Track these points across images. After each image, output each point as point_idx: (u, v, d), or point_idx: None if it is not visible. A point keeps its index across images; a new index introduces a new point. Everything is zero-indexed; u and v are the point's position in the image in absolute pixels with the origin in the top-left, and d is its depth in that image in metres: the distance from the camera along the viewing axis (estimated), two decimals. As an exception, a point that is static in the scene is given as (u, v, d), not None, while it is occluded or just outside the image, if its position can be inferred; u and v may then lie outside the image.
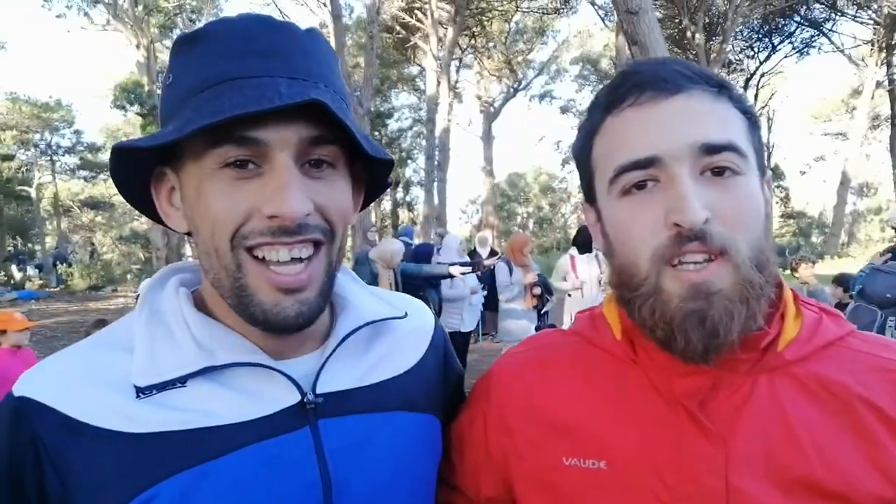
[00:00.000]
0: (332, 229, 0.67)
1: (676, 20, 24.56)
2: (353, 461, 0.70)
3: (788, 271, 6.80)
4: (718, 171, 0.71)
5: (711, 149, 0.71)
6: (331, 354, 0.72)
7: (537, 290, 6.66)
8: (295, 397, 0.68)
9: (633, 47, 12.50)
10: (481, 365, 8.25)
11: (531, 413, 0.86)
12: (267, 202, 0.61)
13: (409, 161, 37.36)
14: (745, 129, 0.75)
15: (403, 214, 38.97)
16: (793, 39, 28.80)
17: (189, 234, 0.70)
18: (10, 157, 30.10)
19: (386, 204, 38.44)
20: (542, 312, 6.91)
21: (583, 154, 0.83)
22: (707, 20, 24.30)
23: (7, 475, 0.63)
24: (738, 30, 25.48)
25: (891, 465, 0.70)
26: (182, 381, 0.65)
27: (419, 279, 6.47)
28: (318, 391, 0.70)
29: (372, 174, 0.77)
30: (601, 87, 0.82)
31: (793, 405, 0.74)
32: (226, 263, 0.63)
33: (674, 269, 0.71)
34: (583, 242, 6.76)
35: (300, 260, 0.64)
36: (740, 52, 30.02)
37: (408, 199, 39.76)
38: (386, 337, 0.82)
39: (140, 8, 21.14)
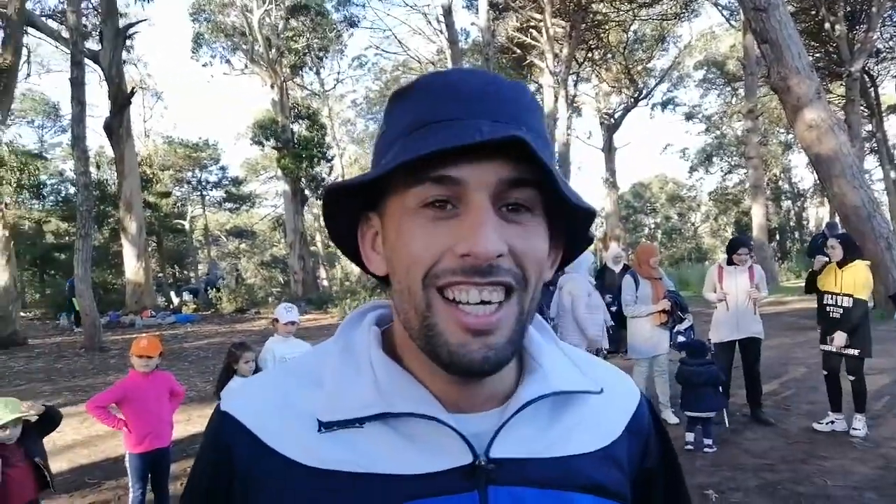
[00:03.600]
0: (526, 276, 0.64)
1: (812, 12, 22.86)
2: None
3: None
4: None
5: None
6: (510, 417, 0.68)
7: (666, 305, 6.00)
8: (468, 458, 0.66)
9: (762, 45, 11.77)
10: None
11: None
12: (460, 241, 0.60)
13: (528, 178, 37.21)
14: None
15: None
16: (955, 20, 25.84)
17: (386, 277, 0.71)
18: (167, 195, 33.23)
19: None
20: (674, 329, 6.14)
21: None
22: (848, 8, 22.40)
23: (207, 476, 0.72)
24: (886, 15, 23.23)
25: None
26: (360, 422, 0.66)
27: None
28: (492, 455, 0.67)
29: (570, 227, 0.73)
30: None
31: None
32: (416, 302, 0.63)
33: None
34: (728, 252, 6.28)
35: (489, 303, 0.62)
36: (890, 40, 27.36)
37: (529, 216, 39.43)
38: (574, 409, 0.75)
39: (273, 51, 22.94)
